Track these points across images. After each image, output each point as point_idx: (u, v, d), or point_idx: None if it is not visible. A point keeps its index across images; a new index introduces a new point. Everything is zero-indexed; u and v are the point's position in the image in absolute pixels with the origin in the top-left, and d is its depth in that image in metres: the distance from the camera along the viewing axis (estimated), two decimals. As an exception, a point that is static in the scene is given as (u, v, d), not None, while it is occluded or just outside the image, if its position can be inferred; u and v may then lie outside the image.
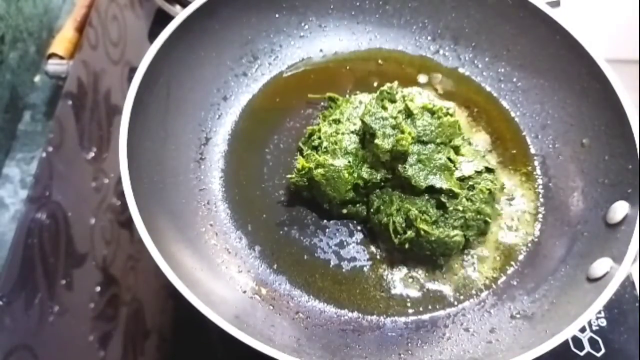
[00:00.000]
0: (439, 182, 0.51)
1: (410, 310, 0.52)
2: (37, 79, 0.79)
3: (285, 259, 0.54)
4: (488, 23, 0.63)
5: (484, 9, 0.63)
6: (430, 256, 0.52)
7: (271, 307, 0.51)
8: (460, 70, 0.66)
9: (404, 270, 0.54)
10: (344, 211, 0.56)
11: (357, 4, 0.66)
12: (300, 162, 0.54)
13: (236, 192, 0.58)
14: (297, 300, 0.52)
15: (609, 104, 0.53)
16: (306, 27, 0.66)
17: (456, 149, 0.54)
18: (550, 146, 0.60)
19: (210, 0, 0.56)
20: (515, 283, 0.53)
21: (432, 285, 0.53)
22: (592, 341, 0.56)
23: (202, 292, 0.45)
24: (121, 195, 0.62)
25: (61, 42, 0.75)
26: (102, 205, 0.62)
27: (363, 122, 0.54)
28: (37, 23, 0.79)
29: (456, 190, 0.51)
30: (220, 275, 0.52)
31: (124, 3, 0.81)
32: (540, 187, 0.58)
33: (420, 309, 0.52)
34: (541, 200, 0.58)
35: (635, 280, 0.59)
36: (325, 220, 0.57)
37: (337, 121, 0.57)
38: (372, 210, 0.54)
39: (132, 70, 0.73)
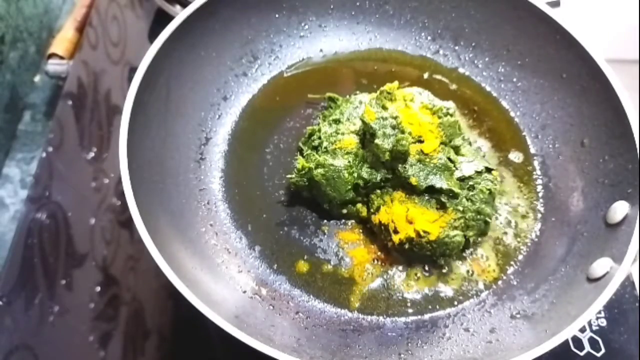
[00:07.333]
0: (439, 182, 0.51)
1: (410, 310, 0.52)
2: (37, 79, 0.79)
3: (285, 259, 0.54)
4: (488, 23, 0.63)
5: (484, 9, 0.63)
6: (430, 256, 0.52)
7: (271, 307, 0.51)
8: (460, 70, 0.66)
9: (404, 270, 0.54)
10: (344, 211, 0.56)
11: (357, 4, 0.66)
12: (300, 162, 0.54)
13: (236, 192, 0.58)
14: (297, 300, 0.52)
15: (609, 104, 0.53)
16: (306, 27, 0.66)
17: (456, 149, 0.54)
18: (550, 146, 0.60)
19: (210, 0, 0.56)
20: (515, 283, 0.53)
21: (432, 286, 0.53)
22: (592, 341, 0.56)
23: (202, 292, 0.45)
24: (121, 195, 0.62)
25: (61, 42, 0.75)
26: (102, 205, 0.62)
27: (363, 122, 0.54)
28: (37, 23, 0.79)
29: (456, 190, 0.51)
30: (220, 275, 0.52)
31: (124, 3, 0.81)
32: (540, 187, 0.58)
33: (420, 309, 0.52)
34: (541, 200, 0.58)
35: (635, 280, 0.59)
36: (325, 220, 0.57)
37: (337, 121, 0.57)
38: (372, 210, 0.54)
39: (132, 70, 0.73)
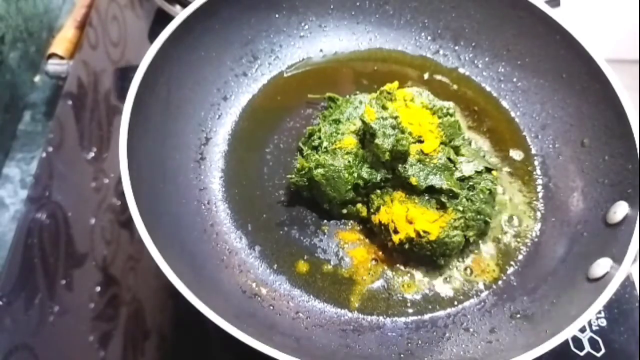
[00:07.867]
0: (439, 182, 0.51)
1: (410, 310, 0.52)
2: (37, 79, 0.79)
3: (285, 259, 0.54)
4: (488, 23, 0.63)
5: (484, 9, 0.63)
6: (430, 256, 0.52)
7: (271, 307, 0.51)
8: (460, 70, 0.66)
9: (404, 270, 0.54)
10: (344, 211, 0.56)
11: (357, 4, 0.66)
12: (300, 162, 0.54)
13: (236, 192, 0.58)
14: (297, 300, 0.52)
15: (609, 104, 0.53)
16: (306, 27, 0.66)
17: (456, 149, 0.54)
18: (550, 146, 0.60)
19: (210, 0, 0.56)
20: (515, 283, 0.53)
21: (432, 286, 0.53)
22: (592, 341, 0.56)
23: (202, 292, 0.45)
24: (121, 195, 0.62)
25: (61, 42, 0.75)
26: (102, 205, 0.62)
27: (363, 122, 0.54)
28: (37, 23, 0.79)
29: (456, 190, 0.51)
30: (220, 275, 0.52)
31: (124, 3, 0.81)
32: (540, 187, 0.58)
33: (420, 309, 0.52)
34: (541, 200, 0.58)
35: (635, 280, 0.59)
36: (325, 220, 0.57)
37: (337, 121, 0.57)
38: (372, 210, 0.54)
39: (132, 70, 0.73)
